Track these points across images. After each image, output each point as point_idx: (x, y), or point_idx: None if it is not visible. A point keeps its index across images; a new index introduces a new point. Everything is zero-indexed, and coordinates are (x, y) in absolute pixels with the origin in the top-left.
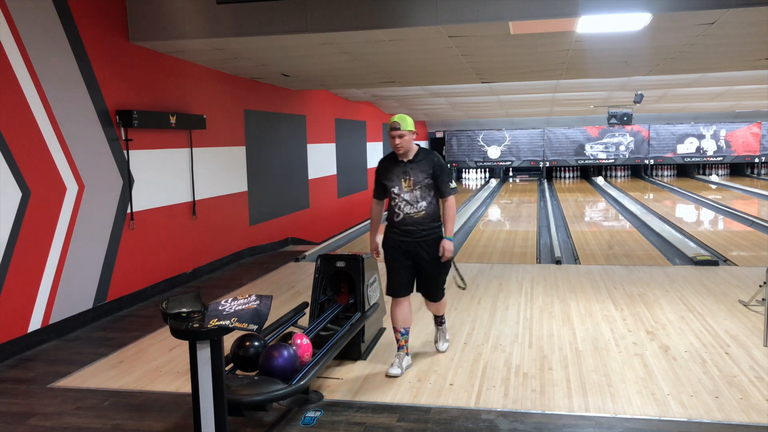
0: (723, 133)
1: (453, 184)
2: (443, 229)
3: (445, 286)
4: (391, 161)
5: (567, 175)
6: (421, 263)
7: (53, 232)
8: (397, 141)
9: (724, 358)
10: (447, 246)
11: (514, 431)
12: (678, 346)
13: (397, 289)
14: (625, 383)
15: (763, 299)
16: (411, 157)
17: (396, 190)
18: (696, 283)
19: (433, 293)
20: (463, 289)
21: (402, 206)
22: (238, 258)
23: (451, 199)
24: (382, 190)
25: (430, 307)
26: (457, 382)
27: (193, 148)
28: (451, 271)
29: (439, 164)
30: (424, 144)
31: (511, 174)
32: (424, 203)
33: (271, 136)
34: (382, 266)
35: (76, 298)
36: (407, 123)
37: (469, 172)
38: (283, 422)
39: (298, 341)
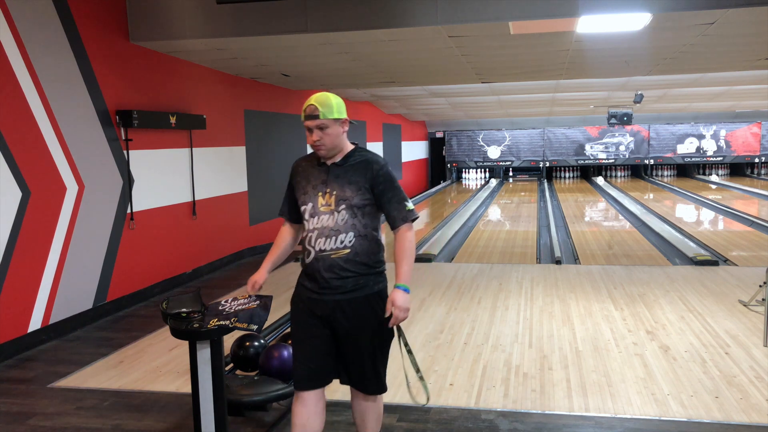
0: (723, 133)
1: (410, 205)
2: (385, 276)
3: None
4: (310, 163)
5: (567, 175)
6: (341, 337)
7: (53, 232)
8: (316, 136)
9: (724, 358)
10: (398, 301)
11: (514, 431)
12: (678, 346)
13: (300, 376)
14: (625, 383)
15: (763, 299)
16: (339, 159)
17: (309, 210)
18: (696, 283)
19: (363, 381)
20: (424, 400)
21: (313, 239)
22: (238, 258)
23: (412, 226)
24: (293, 208)
25: (359, 408)
26: (457, 382)
27: (193, 148)
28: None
29: (384, 173)
30: (423, 144)
31: (510, 174)
32: (350, 236)
33: (271, 136)
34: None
35: (76, 298)
36: (330, 107)
37: (469, 172)
38: (283, 422)
39: None
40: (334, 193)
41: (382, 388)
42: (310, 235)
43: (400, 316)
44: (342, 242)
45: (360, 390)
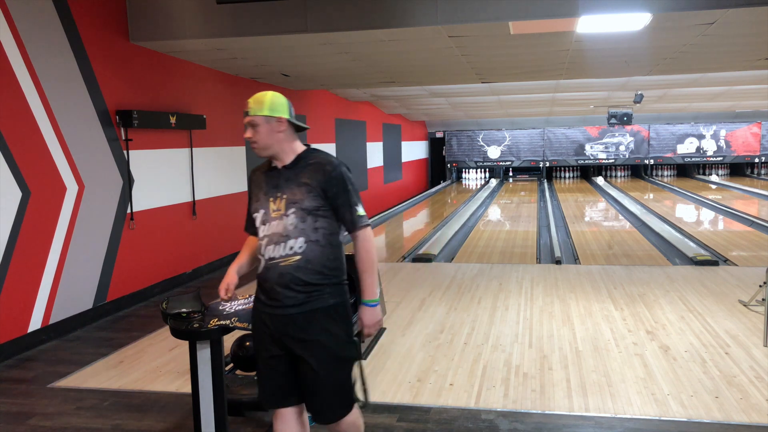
0: (723, 133)
1: (360, 210)
2: (345, 289)
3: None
4: (262, 169)
5: (567, 175)
6: (296, 356)
7: (53, 232)
8: (248, 133)
9: (724, 358)
10: (366, 320)
11: (514, 431)
12: (678, 346)
13: (264, 395)
14: (625, 383)
15: (763, 299)
16: (290, 162)
17: (260, 217)
18: (696, 283)
19: (317, 409)
20: (363, 406)
21: (263, 247)
22: None
23: (366, 234)
24: (251, 219)
25: None
26: (457, 382)
27: (193, 148)
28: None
29: (337, 176)
30: (422, 144)
31: (510, 174)
32: (300, 241)
33: None
34: (383, 266)
35: (76, 298)
36: (262, 104)
37: (469, 172)
38: None
39: None
40: (285, 197)
41: (341, 413)
42: (260, 243)
43: (371, 333)
44: (291, 248)
45: (315, 419)
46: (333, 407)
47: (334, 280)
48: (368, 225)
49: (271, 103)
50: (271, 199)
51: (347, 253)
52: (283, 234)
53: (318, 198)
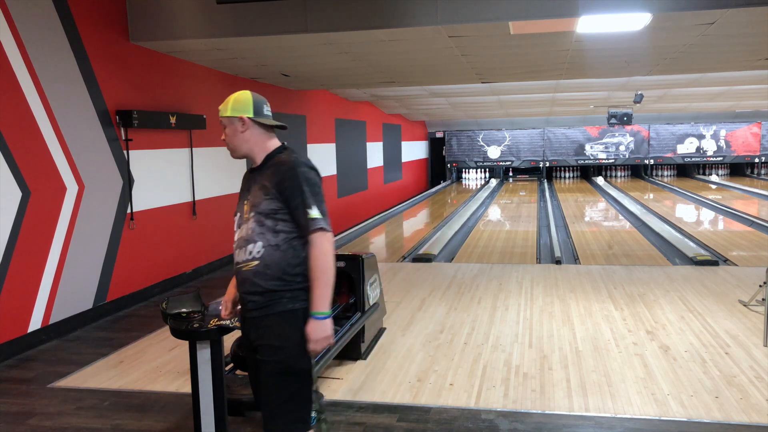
0: (723, 133)
1: (313, 213)
2: (301, 295)
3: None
4: (247, 171)
5: (567, 175)
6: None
7: (53, 232)
8: (222, 136)
9: (724, 358)
10: (311, 333)
11: (514, 431)
12: (678, 346)
13: (256, 398)
14: (625, 383)
15: (763, 299)
16: (260, 162)
17: (237, 221)
18: (696, 283)
19: (267, 420)
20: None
21: (234, 251)
22: None
23: (319, 238)
24: None
25: None
26: (457, 382)
27: (193, 148)
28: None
29: (291, 176)
30: (422, 144)
31: (510, 174)
32: (258, 246)
33: None
34: (383, 266)
35: (76, 298)
36: (226, 105)
37: (469, 172)
38: None
39: None
40: (250, 199)
41: (288, 429)
42: (234, 246)
43: (316, 349)
44: (251, 253)
45: (263, 430)
46: (277, 420)
47: (295, 285)
48: (322, 229)
49: (234, 102)
50: (244, 202)
51: (345, 253)
52: (245, 238)
53: (275, 201)
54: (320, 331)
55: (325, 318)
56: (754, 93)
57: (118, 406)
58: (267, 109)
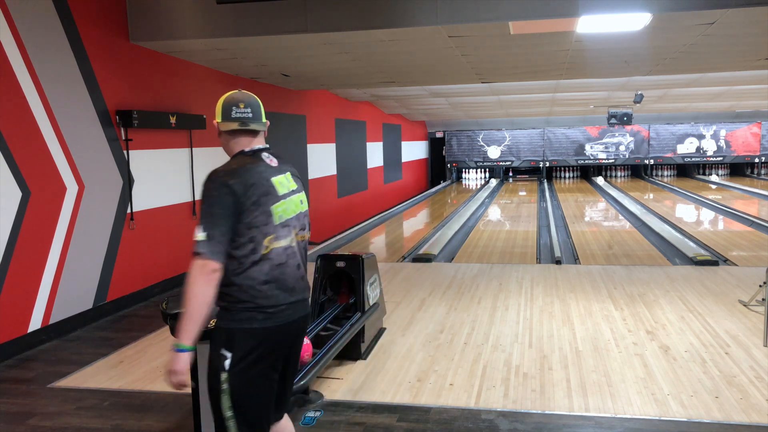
0: (723, 133)
1: (200, 235)
2: (237, 316)
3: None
4: None
5: (567, 175)
6: None
7: (53, 232)
8: None
9: (724, 358)
10: (168, 363)
11: (514, 431)
12: (678, 346)
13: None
14: (625, 383)
15: (763, 299)
16: None
17: None
18: (696, 283)
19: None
20: None
21: None
22: None
23: (193, 265)
24: None
25: None
26: (457, 382)
27: (193, 148)
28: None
29: (202, 191)
30: (422, 144)
31: (510, 174)
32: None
33: (271, 136)
34: (382, 266)
35: (76, 298)
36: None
37: (469, 172)
38: None
39: None
40: None
41: None
42: None
43: (170, 382)
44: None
45: None
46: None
47: (225, 304)
48: (198, 254)
49: (217, 106)
50: None
51: (345, 253)
52: None
53: None
54: (172, 363)
55: (182, 351)
56: (754, 93)
57: (118, 406)
58: (236, 111)
